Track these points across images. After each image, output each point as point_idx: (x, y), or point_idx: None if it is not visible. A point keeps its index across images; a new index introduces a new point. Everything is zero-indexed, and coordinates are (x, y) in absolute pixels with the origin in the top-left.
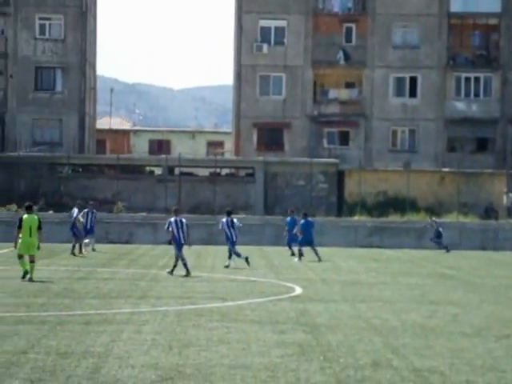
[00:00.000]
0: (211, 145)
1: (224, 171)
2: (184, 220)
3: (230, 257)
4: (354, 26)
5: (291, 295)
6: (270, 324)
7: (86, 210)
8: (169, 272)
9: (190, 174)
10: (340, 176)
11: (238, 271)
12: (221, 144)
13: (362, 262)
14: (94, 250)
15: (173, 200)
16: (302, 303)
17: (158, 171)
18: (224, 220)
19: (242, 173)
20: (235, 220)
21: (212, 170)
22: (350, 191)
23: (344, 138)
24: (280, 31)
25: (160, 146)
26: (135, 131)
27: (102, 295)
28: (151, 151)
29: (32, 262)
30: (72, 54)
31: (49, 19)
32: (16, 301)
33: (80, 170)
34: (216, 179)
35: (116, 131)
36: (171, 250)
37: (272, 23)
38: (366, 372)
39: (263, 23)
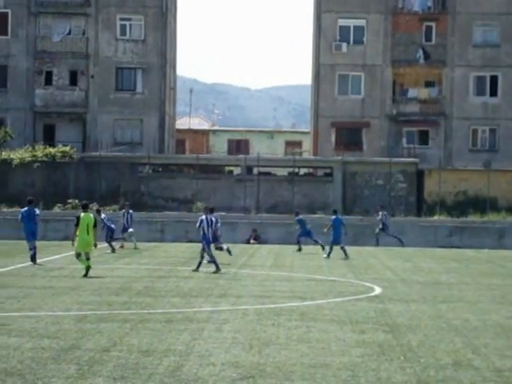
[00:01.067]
0: (289, 144)
1: (302, 171)
2: (214, 219)
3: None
4: (433, 24)
5: (370, 295)
6: (349, 324)
7: (123, 211)
8: (194, 270)
9: (269, 174)
10: (419, 176)
11: (318, 271)
12: (299, 144)
13: (442, 262)
14: (136, 248)
15: (251, 199)
16: (381, 303)
17: (236, 171)
18: (203, 217)
19: (320, 172)
20: (213, 219)
21: (290, 169)
22: (429, 191)
23: (423, 138)
24: (359, 30)
25: (238, 146)
26: (214, 131)
27: (183, 294)
28: (230, 151)
29: (88, 259)
30: (152, 55)
31: (129, 20)
32: (98, 299)
33: (160, 169)
34: (294, 179)
35: (195, 131)
36: (250, 248)
37: (351, 22)
38: (447, 372)
39: (342, 22)
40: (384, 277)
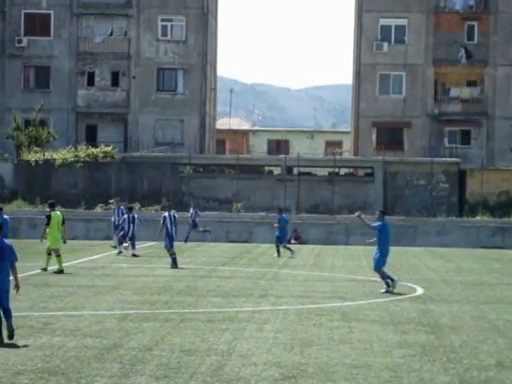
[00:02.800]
0: (330, 144)
1: (342, 171)
2: (177, 215)
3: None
4: (475, 23)
5: (412, 296)
6: (391, 324)
7: (113, 208)
8: (173, 266)
9: (309, 174)
10: (461, 176)
11: (359, 271)
12: (339, 144)
13: (484, 262)
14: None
15: (291, 200)
16: (423, 304)
17: (276, 171)
18: (166, 214)
19: (361, 173)
20: (177, 215)
21: (330, 169)
22: (471, 191)
23: (465, 137)
24: (400, 30)
25: (279, 146)
26: (254, 131)
27: (224, 293)
28: (270, 151)
29: (58, 255)
30: (193, 55)
31: (170, 20)
32: (140, 298)
33: (201, 169)
34: (335, 179)
35: (235, 131)
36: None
37: (392, 22)
38: (490, 373)
39: (383, 22)
40: (426, 277)
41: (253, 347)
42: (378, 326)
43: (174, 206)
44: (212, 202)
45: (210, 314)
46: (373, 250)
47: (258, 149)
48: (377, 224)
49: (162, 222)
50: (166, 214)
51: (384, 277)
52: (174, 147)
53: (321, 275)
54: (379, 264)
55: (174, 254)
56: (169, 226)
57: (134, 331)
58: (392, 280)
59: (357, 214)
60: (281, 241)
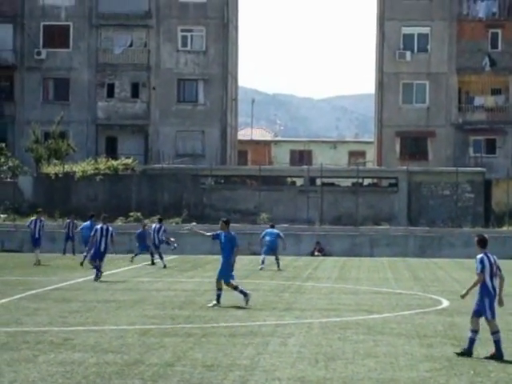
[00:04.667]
0: (353, 155)
1: (366, 181)
2: (110, 228)
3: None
4: (499, 31)
5: (438, 308)
6: (417, 337)
7: (67, 221)
8: (95, 279)
9: (332, 185)
10: (487, 185)
11: (384, 283)
12: (362, 154)
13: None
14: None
15: (315, 211)
16: (449, 316)
17: (299, 182)
18: (98, 227)
19: (385, 183)
20: (110, 228)
21: (354, 180)
22: (497, 201)
23: (491, 147)
24: (423, 38)
25: (301, 157)
26: (276, 142)
27: (247, 307)
28: (292, 162)
29: None
30: (214, 66)
31: (191, 31)
32: (161, 313)
33: (222, 181)
34: (358, 190)
35: (257, 142)
36: (314, 261)
37: (415, 30)
38: None
39: (406, 30)
40: (452, 289)
41: (276, 362)
42: (403, 340)
43: (193, 218)
44: (234, 214)
45: (232, 329)
46: (397, 262)
47: (281, 160)
48: (214, 233)
49: (92, 234)
50: (99, 226)
51: (236, 289)
52: (195, 159)
53: (345, 288)
54: (227, 277)
55: (98, 265)
56: (98, 238)
57: (156, 346)
58: (245, 294)
59: (189, 226)
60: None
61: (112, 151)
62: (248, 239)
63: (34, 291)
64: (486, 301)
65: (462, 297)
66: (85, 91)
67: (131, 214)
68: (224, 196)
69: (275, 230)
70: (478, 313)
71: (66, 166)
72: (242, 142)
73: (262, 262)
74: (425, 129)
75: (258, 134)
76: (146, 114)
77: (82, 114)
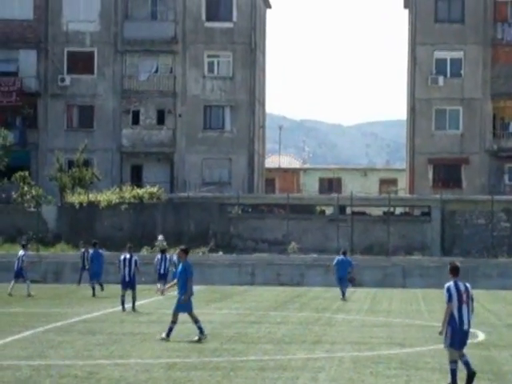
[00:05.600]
0: (384, 182)
1: (398, 210)
2: (135, 257)
3: (123, 303)
4: None
5: (474, 341)
6: None
7: (82, 250)
8: (123, 310)
9: (363, 214)
10: None
11: (417, 315)
12: (394, 182)
13: None
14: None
15: (345, 241)
16: (486, 350)
17: (329, 211)
18: (122, 257)
19: (418, 212)
20: (135, 258)
21: (385, 209)
22: None
23: None
24: (456, 63)
25: (330, 185)
26: (305, 169)
27: (276, 340)
28: (321, 190)
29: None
30: (241, 92)
31: (217, 56)
32: (188, 346)
33: (250, 210)
34: (390, 219)
35: (285, 170)
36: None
37: (448, 54)
38: None
39: (438, 55)
40: (487, 321)
41: None
42: (438, 374)
43: (220, 248)
44: (261, 244)
45: (261, 362)
46: (430, 293)
47: (309, 188)
48: (173, 271)
49: (117, 264)
50: (122, 256)
51: (197, 323)
52: (222, 187)
53: (377, 320)
54: (187, 308)
55: (123, 296)
56: (122, 268)
57: (183, 381)
58: (201, 332)
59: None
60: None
61: (137, 179)
62: (276, 270)
63: (58, 323)
64: (449, 329)
65: (440, 333)
66: (109, 118)
67: (157, 243)
68: (251, 225)
69: (348, 258)
70: (450, 343)
71: (90, 195)
72: (269, 169)
73: (342, 294)
74: (458, 156)
75: (286, 161)
76: (171, 141)
77: (107, 141)
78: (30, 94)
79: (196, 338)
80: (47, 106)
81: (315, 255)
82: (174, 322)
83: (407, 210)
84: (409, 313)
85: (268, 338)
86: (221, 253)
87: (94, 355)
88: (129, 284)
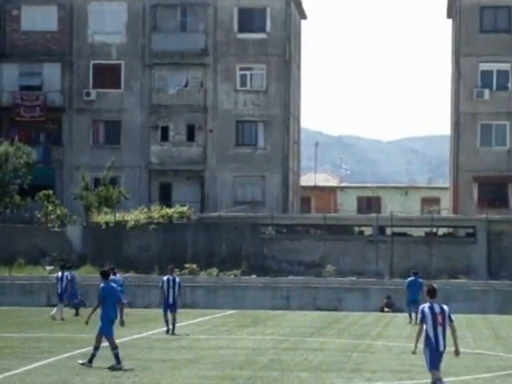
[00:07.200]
0: (426, 201)
1: (441, 231)
2: (178, 279)
3: (168, 324)
4: None
5: None
6: None
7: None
8: (167, 331)
9: (404, 235)
10: None
11: (461, 342)
12: (437, 200)
13: None
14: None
15: (384, 263)
16: None
17: (367, 231)
18: (165, 278)
19: (462, 233)
20: (178, 279)
21: (428, 229)
22: None
23: None
24: (503, 75)
25: (369, 204)
26: (342, 188)
27: (312, 368)
28: (360, 209)
29: None
30: (275, 106)
31: (250, 69)
32: (220, 373)
33: (284, 230)
34: (432, 240)
35: (321, 188)
36: (384, 317)
37: (494, 66)
38: None
39: (484, 67)
40: None
41: None
42: None
43: (253, 271)
44: (297, 266)
45: None
46: (476, 319)
47: (347, 207)
48: (103, 284)
49: (160, 286)
50: (165, 277)
51: (114, 350)
52: (255, 206)
53: (418, 347)
54: (108, 332)
55: (167, 318)
56: (165, 290)
57: None
58: (118, 362)
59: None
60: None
61: (166, 198)
62: (313, 293)
63: (84, 349)
64: (426, 351)
65: (413, 352)
66: (137, 134)
67: (186, 265)
68: (286, 246)
69: (419, 280)
70: (430, 365)
71: (117, 215)
72: (305, 187)
73: (410, 316)
74: (505, 173)
75: (323, 179)
76: (202, 158)
77: (135, 158)
78: (54, 109)
79: (112, 365)
80: (72, 122)
81: (353, 278)
82: (96, 348)
83: (451, 230)
84: (452, 340)
85: (304, 365)
86: (254, 275)
87: (122, 382)
88: (172, 306)
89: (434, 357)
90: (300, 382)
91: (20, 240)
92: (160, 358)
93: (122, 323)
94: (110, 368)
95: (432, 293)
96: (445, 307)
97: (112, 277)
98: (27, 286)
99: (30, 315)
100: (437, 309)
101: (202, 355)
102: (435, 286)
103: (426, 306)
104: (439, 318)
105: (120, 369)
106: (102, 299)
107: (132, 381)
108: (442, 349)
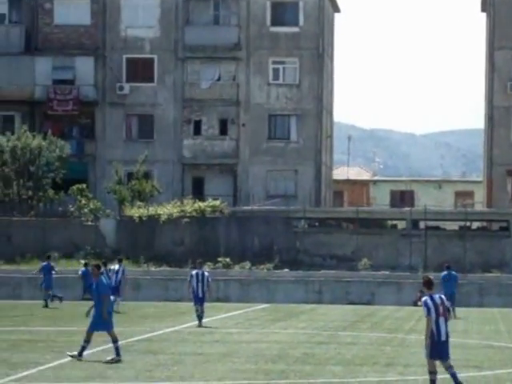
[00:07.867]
0: (460, 195)
1: (475, 225)
2: (206, 273)
3: (199, 319)
4: None
5: None
6: None
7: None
8: (198, 325)
9: (437, 228)
10: None
11: (495, 336)
12: (470, 194)
13: None
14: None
15: (418, 257)
16: None
17: (401, 225)
18: (194, 272)
19: (496, 226)
20: (206, 273)
21: (461, 223)
22: None
23: None
24: None
25: (402, 198)
26: (375, 181)
27: (345, 362)
28: (393, 203)
29: None
30: (308, 100)
31: (283, 63)
32: (253, 367)
33: (317, 224)
34: (466, 234)
35: (354, 182)
36: (417, 311)
37: None
38: None
39: None
40: None
41: None
42: None
43: (286, 265)
44: (329, 260)
45: None
46: (510, 313)
47: (380, 201)
48: (97, 279)
49: (188, 279)
50: (194, 272)
51: (115, 343)
52: (288, 200)
53: (453, 341)
54: (107, 326)
55: (199, 312)
56: (194, 284)
57: None
58: (117, 354)
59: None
60: None
61: (199, 192)
62: (345, 287)
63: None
64: (428, 340)
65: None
66: (170, 128)
67: (219, 259)
68: (319, 240)
69: (453, 273)
70: (429, 354)
71: (150, 209)
72: (337, 181)
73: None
74: None
75: (355, 172)
76: (234, 152)
77: (167, 152)
78: (87, 103)
79: (109, 358)
80: (105, 116)
81: (386, 272)
82: (86, 341)
83: (484, 224)
84: (486, 333)
85: (337, 359)
86: (286, 269)
87: (155, 376)
88: (201, 300)
89: (435, 347)
90: (333, 376)
91: (54, 234)
92: (193, 351)
93: (87, 314)
94: (110, 360)
95: (429, 284)
96: (443, 297)
97: (116, 266)
98: (61, 279)
99: (63, 309)
100: (437, 300)
101: (235, 349)
102: (431, 277)
103: (427, 299)
104: (440, 309)
105: (119, 361)
106: (99, 294)
107: (166, 374)
108: (443, 338)
